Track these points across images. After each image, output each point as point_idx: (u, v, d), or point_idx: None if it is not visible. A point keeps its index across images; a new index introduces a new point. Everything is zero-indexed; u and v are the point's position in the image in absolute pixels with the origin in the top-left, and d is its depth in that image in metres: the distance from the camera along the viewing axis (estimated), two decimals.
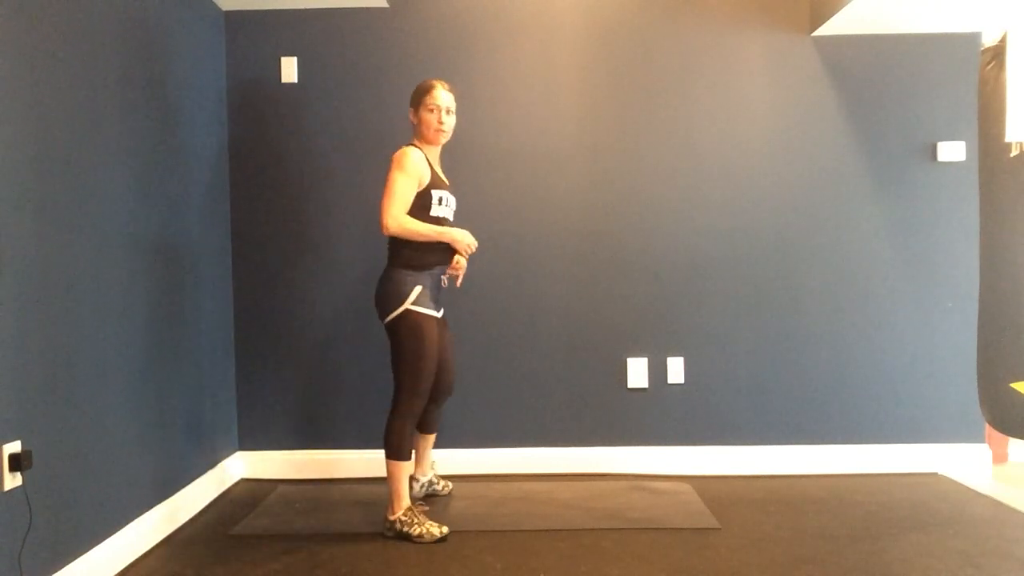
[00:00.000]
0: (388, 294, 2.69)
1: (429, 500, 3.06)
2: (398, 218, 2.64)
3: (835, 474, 3.42)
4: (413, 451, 2.85)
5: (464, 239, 2.75)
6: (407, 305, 2.67)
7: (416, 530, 2.65)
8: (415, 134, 2.82)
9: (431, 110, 2.75)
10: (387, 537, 2.69)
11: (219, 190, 3.35)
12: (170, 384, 2.81)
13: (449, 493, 3.17)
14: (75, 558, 2.19)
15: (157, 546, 2.62)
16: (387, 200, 2.64)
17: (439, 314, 2.82)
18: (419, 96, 2.78)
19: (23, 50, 2.01)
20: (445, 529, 2.66)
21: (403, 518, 2.67)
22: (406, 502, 2.70)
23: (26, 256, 2.00)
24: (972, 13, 3.18)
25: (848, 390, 3.47)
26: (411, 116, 2.82)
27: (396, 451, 2.68)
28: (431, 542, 2.63)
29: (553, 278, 3.46)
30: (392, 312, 2.68)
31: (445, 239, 2.70)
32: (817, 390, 3.47)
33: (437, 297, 2.79)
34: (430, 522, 2.68)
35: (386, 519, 2.71)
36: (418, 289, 2.69)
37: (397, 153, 2.72)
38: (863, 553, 2.49)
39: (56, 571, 2.10)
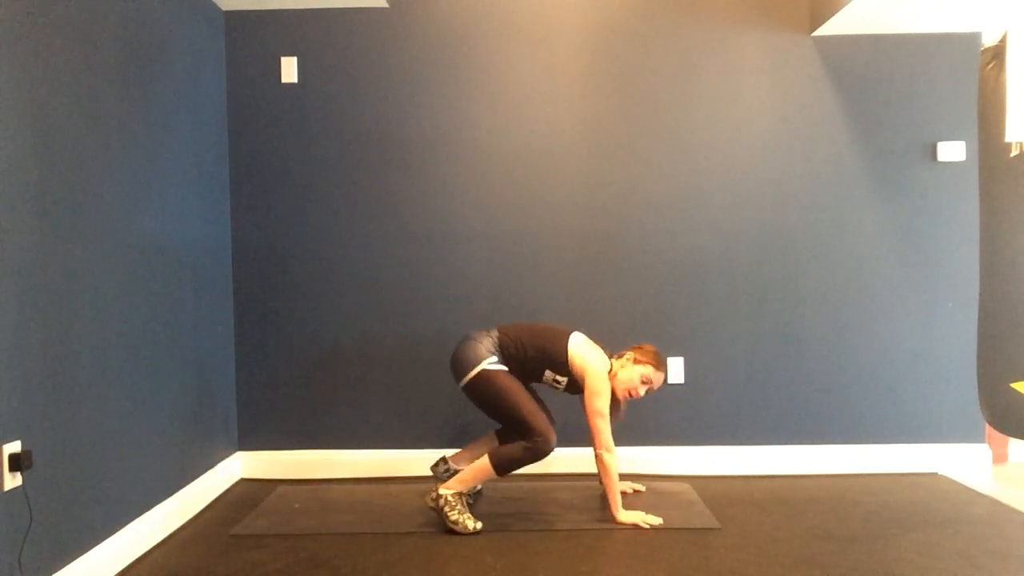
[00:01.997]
0: (462, 360, 2.84)
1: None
2: (613, 450, 2.78)
3: (835, 474, 3.42)
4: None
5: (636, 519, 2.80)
6: (483, 366, 2.79)
7: (455, 516, 2.70)
8: (622, 362, 2.90)
9: (646, 383, 2.88)
10: (428, 507, 2.76)
11: (219, 190, 3.35)
12: (170, 384, 2.81)
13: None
14: (75, 558, 2.19)
15: (157, 546, 2.62)
16: (602, 424, 2.77)
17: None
18: (659, 365, 2.89)
19: (23, 50, 2.01)
20: (479, 525, 2.71)
21: (451, 498, 2.72)
22: (464, 489, 2.75)
23: (26, 256, 2.00)
24: (972, 13, 3.18)
25: (848, 390, 3.47)
26: (636, 363, 2.88)
27: (499, 467, 2.72)
28: (463, 534, 2.68)
29: (553, 278, 3.46)
30: (467, 374, 2.81)
31: (614, 498, 2.79)
32: (817, 390, 3.47)
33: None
34: (469, 515, 2.72)
35: (436, 489, 2.75)
36: (494, 358, 2.82)
37: (602, 380, 2.79)
38: (863, 553, 2.49)
39: (56, 571, 2.10)
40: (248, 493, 3.23)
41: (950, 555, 2.47)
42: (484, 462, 2.72)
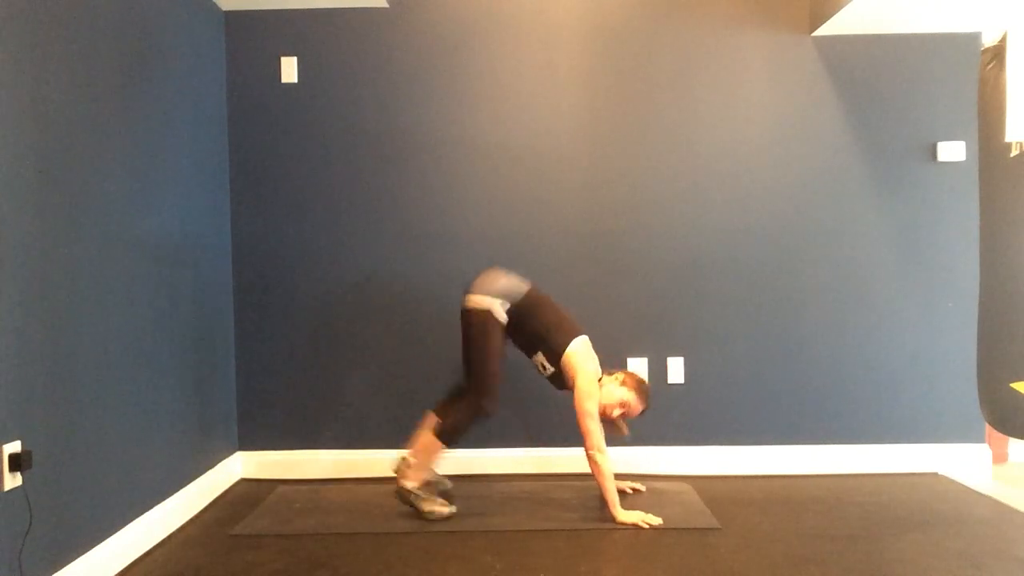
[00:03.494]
0: (486, 285, 2.94)
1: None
2: (604, 450, 2.78)
3: (835, 474, 3.42)
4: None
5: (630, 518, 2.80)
6: (494, 308, 2.86)
7: (426, 507, 2.79)
8: (610, 379, 2.93)
9: (623, 407, 2.89)
10: (400, 504, 2.85)
11: (219, 190, 3.35)
12: (170, 384, 2.81)
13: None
14: (75, 558, 2.19)
15: (157, 546, 2.62)
16: (593, 425, 2.78)
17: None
18: (642, 395, 2.92)
19: (23, 50, 2.01)
20: (453, 508, 2.81)
21: (415, 490, 2.81)
22: (424, 476, 2.85)
23: (26, 256, 2.00)
24: (972, 13, 3.18)
25: (848, 390, 3.47)
26: (623, 384, 2.91)
27: (446, 436, 2.82)
28: (437, 520, 2.77)
29: (553, 278, 3.46)
30: (478, 301, 2.89)
31: (611, 498, 2.80)
32: (817, 390, 3.47)
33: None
34: (439, 500, 2.82)
35: (399, 483, 2.83)
36: (508, 306, 2.89)
37: (593, 383, 2.83)
38: (863, 553, 2.49)
39: (56, 571, 2.10)
40: (248, 493, 3.23)
41: (950, 555, 2.47)
42: (431, 439, 2.81)
